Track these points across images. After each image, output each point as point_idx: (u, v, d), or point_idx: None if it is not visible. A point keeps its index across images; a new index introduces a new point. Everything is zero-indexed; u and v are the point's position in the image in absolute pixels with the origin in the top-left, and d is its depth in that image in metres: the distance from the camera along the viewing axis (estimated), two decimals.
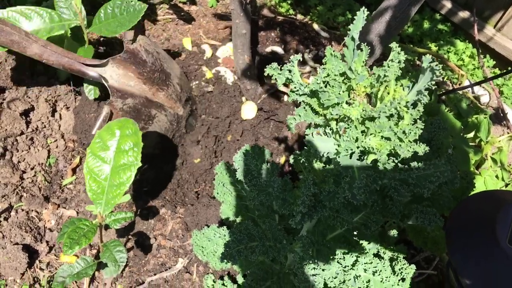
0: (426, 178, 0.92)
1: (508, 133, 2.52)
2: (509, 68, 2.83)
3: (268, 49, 2.48)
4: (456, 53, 2.91)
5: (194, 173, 2.18)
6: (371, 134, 0.84)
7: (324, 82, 0.84)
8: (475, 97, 2.70)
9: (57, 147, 2.15)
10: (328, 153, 0.84)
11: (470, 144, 2.12)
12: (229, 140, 2.18)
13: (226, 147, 2.17)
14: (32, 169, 2.06)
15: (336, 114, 0.81)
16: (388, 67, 0.83)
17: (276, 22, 2.69)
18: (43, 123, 2.17)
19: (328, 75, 0.84)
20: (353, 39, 0.82)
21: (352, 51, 0.83)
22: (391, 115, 0.82)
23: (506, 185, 2.07)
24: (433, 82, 0.77)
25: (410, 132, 0.82)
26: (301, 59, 0.90)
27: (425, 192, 0.93)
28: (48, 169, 2.10)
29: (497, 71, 2.92)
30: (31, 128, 2.14)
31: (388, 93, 0.85)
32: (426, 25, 2.99)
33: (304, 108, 0.88)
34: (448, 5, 2.97)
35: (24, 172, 2.04)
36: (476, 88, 2.77)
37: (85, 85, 2.15)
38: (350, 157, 0.88)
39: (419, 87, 0.80)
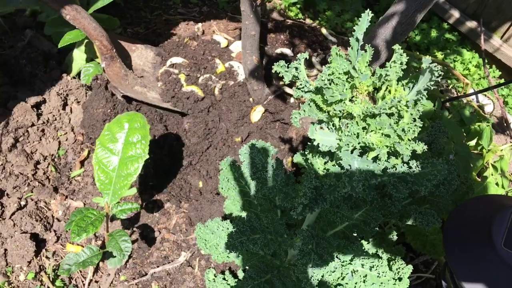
0: (424, 176, 0.96)
1: (511, 142, 2.55)
2: None
3: (278, 51, 2.52)
4: (463, 63, 2.94)
5: (201, 169, 2.22)
6: (371, 130, 0.88)
7: (328, 80, 0.88)
8: (479, 106, 2.73)
9: (67, 139, 2.21)
10: (330, 147, 0.88)
11: (472, 151, 2.15)
12: (236, 141, 2.22)
13: (233, 148, 2.21)
14: (45, 159, 2.11)
15: (339, 111, 0.85)
16: (390, 67, 0.88)
17: (286, 25, 2.74)
18: (54, 116, 2.23)
19: (332, 73, 0.89)
20: (357, 39, 0.86)
21: (356, 51, 0.87)
22: (392, 114, 0.86)
23: (506, 192, 2.10)
24: (433, 83, 0.81)
25: (409, 130, 0.86)
26: (307, 57, 0.94)
27: (422, 190, 0.96)
28: (57, 161, 2.15)
29: (503, 81, 2.95)
30: (42, 120, 2.19)
31: (390, 92, 0.89)
32: (433, 33, 3.02)
33: (309, 104, 0.92)
34: (456, 14, 3.00)
35: (38, 162, 2.09)
36: (480, 97, 2.80)
37: (83, 69, 2.21)
38: (351, 153, 0.92)
39: (418, 87, 0.84)
